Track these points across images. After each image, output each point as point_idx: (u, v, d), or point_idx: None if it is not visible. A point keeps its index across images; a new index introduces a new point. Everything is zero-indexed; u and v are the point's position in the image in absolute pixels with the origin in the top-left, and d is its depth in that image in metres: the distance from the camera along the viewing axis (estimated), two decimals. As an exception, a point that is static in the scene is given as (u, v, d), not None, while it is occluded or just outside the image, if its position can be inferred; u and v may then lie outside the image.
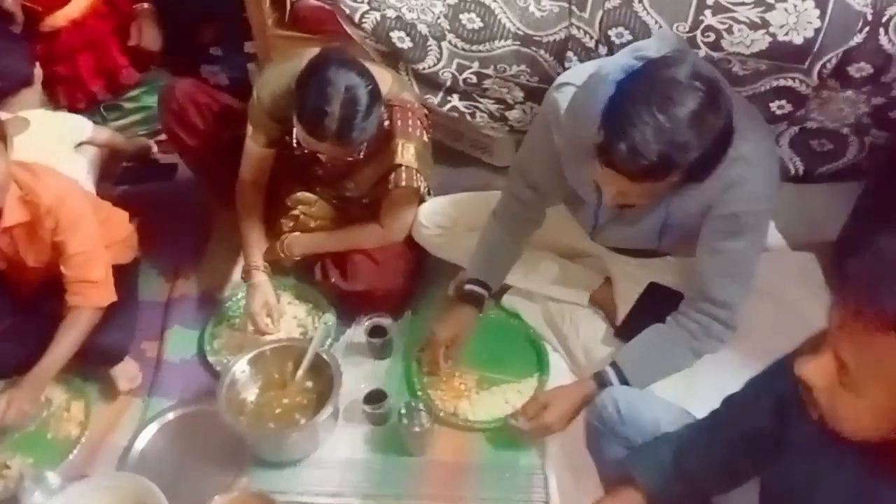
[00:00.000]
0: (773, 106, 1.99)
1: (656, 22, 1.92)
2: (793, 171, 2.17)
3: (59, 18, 2.23)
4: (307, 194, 1.91)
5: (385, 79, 1.74)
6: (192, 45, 2.53)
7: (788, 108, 2.00)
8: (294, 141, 1.65)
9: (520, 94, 2.11)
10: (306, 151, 1.77)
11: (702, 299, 1.45)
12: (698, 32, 1.90)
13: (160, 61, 2.44)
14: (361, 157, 1.67)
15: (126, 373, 1.75)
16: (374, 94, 1.57)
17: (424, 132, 1.82)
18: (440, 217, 1.84)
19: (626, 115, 1.17)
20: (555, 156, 1.55)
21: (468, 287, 1.69)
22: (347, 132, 1.53)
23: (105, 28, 2.30)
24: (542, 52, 2.00)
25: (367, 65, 1.63)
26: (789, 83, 1.95)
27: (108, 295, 1.68)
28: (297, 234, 1.90)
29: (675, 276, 1.69)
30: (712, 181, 1.32)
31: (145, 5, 2.33)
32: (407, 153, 1.73)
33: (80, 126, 2.06)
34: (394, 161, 1.73)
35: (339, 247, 1.89)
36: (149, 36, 2.34)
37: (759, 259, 1.45)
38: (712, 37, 1.90)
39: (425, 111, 1.90)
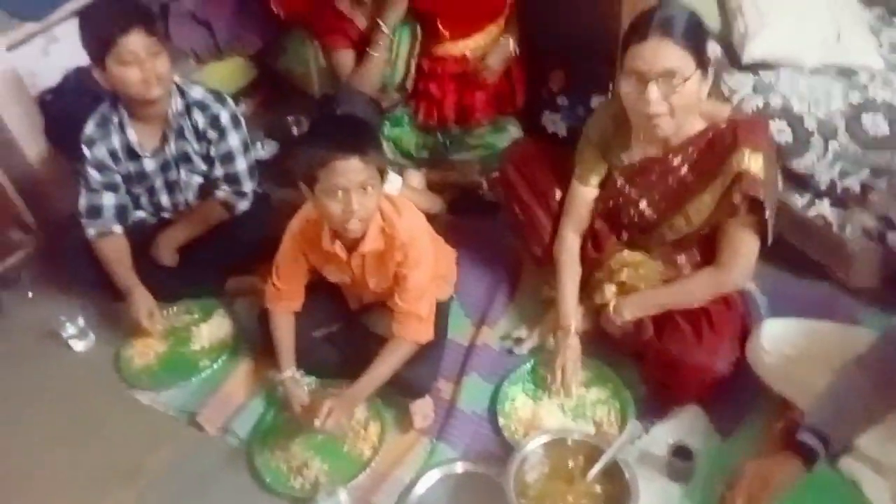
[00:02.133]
0: None
1: None
2: None
3: (459, 48, 2.38)
4: (634, 253, 1.80)
5: (725, 108, 1.65)
6: (540, 91, 2.56)
7: None
8: (617, 178, 1.73)
9: (913, 217, 1.76)
10: (630, 191, 1.73)
11: None
12: None
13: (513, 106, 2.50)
14: (687, 88, 1.51)
15: (422, 409, 1.80)
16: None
17: (773, 151, 1.63)
18: (785, 344, 1.59)
19: None
20: None
21: (802, 435, 1.42)
22: (671, 23, 1.50)
23: (476, 70, 2.40)
24: (962, 176, 1.65)
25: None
26: None
27: (428, 332, 1.76)
28: (624, 296, 1.78)
29: None
30: None
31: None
32: (755, 163, 1.55)
33: (393, 182, 2.16)
34: (739, 168, 1.55)
35: (674, 300, 1.73)
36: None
37: None
38: None
39: (772, 131, 1.73)
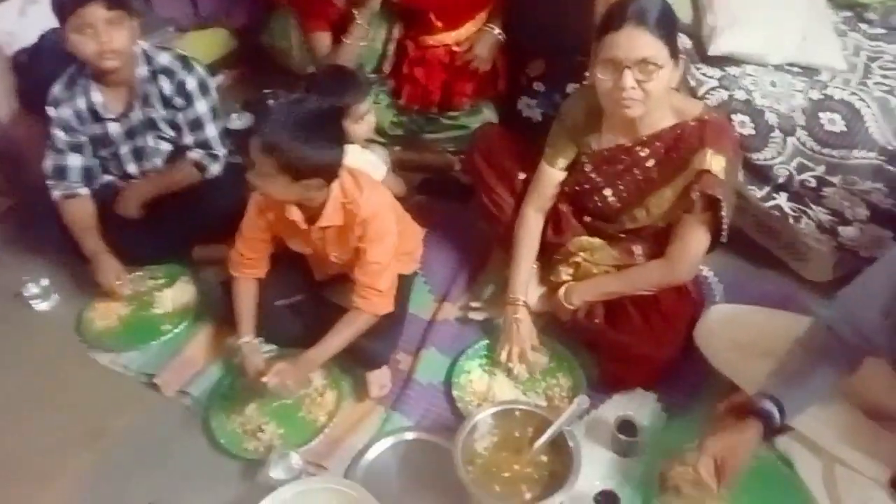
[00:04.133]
0: None
1: None
2: None
3: (449, 37, 2.44)
4: (591, 239, 1.85)
5: (696, 104, 1.72)
6: (519, 77, 2.59)
7: None
8: (584, 164, 1.74)
9: (863, 213, 1.82)
10: (596, 178, 1.77)
11: None
12: None
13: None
14: (660, 80, 1.55)
15: (379, 379, 1.83)
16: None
17: (736, 154, 1.68)
18: (736, 329, 1.63)
19: None
20: None
21: (758, 401, 1.43)
22: (647, 11, 1.54)
23: (463, 59, 2.45)
24: (911, 174, 1.70)
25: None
26: None
27: (388, 305, 1.78)
28: (574, 282, 1.83)
29: None
30: None
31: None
32: (716, 163, 1.60)
33: (376, 167, 2.17)
34: (701, 167, 1.60)
35: (621, 289, 1.77)
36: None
37: None
38: None
39: (735, 125, 1.80)
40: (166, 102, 2.06)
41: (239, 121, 2.78)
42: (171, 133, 2.11)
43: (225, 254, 2.01)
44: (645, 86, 1.55)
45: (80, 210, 2.07)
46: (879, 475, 1.48)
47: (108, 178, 2.19)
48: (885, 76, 1.81)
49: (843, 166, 1.77)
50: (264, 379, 1.67)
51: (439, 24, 2.42)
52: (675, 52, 1.57)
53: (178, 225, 2.16)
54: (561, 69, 2.49)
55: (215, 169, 2.15)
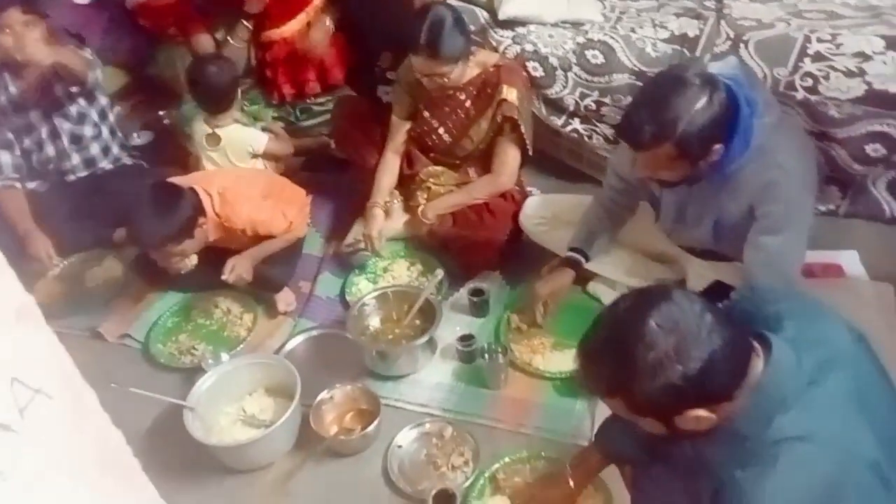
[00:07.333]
0: (868, 149, 2.18)
1: (758, 65, 2.20)
2: (888, 213, 2.31)
3: (275, 34, 2.84)
4: (436, 167, 2.40)
5: (493, 55, 2.31)
6: (372, 69, 3.14)
7: (883, 151, 2.17)
8: (423, 111, 2.30)
9: (632, 122, 2.44)
10: (432, 121, 2.29)
11: (747, 289, 1.70)
12: (797, 77, 2.16)
13: (345, 81, 3.04)
14: (454, 75, 2.11)
15: (285, 299, 2.28)
16: (459, 20, 2.11)
17: (526, 87, 2.27)
18: (543, 209, 2.22)
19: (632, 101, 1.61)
20: None
21: (568, 254, 2.03)
22: (435, 43, 2.03)
23: (303, 48, 2.87)
24: (652, 85, 2.34)
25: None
26: (885, 129, 2.14)
27: (302, 229, 2.29)
28: (428, 202, 2.36)
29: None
30: (753, 184, 1.61)
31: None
32: (510, 94, 2.18)
33: (257, 140, 2.61)
34: (500, 97, 2.17)
35: (462, 200, 2.30)
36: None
37: (799, 259, 1.67)
38: (810, 82, 2.15)
39: (528, 76, 2.38)
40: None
41: (139, 139, 3.19)
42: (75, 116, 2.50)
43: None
44: (446, 78, 2.14)
45: (15, 200, 2.42)
46: (654, 290, 2.06)
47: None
48: (629, 21, 2.46)
49: (610, 88, 2.39)
50: (223, 277, 2.12)
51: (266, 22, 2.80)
52: (465, 56, 2.14)
53: (99, 216, 2.53)
54: (405, 58, 3.05)
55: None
